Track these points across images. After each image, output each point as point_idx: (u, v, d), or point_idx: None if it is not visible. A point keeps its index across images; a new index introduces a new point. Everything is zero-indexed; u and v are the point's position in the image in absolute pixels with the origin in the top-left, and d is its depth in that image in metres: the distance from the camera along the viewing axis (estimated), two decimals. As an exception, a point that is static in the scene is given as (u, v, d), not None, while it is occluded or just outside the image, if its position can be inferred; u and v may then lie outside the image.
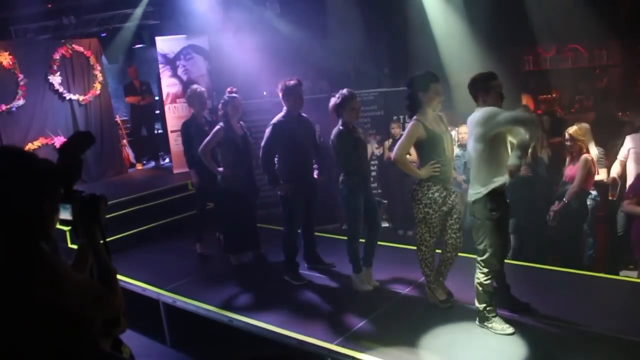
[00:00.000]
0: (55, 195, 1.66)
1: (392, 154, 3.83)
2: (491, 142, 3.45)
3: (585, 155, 4.81)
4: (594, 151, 5.11)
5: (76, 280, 1.60)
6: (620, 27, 7.35)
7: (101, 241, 1.79)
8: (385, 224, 7.25)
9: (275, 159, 4.67)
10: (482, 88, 3.53)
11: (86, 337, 1.65)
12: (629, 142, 5.13)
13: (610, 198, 5.17)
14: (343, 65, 8.51)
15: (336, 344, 3.57)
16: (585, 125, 5.35)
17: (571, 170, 4.92)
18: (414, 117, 3.79)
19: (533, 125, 3.46)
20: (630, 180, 4.96)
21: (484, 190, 3.50)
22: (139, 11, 8.68)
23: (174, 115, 8.37)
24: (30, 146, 7.25)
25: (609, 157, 5.43)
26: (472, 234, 3.69)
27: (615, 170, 5.12)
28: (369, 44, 8.46)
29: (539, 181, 5.31)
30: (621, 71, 8.68)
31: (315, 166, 4.84)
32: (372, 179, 6.76)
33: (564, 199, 4.82)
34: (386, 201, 4.78)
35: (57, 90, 7.69)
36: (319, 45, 8.43)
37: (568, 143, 4.93)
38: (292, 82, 4.59)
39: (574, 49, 9.03)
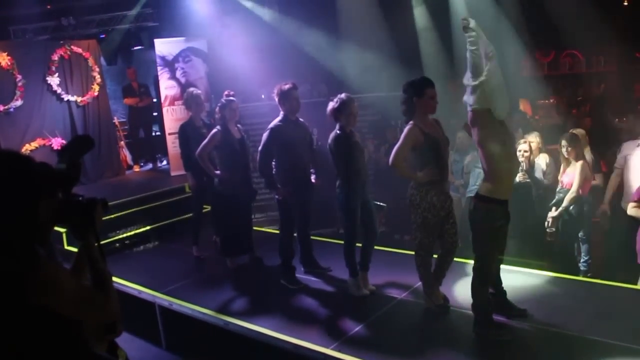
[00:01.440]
0: (52, 199, 1.65)
1: (390, 159, 3.82)
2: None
3: (581, 161, 4.82)
4: (589, 157, 5.12)
5: (71, 284, 1.60)
6: (618, 33, 7.38)
7: (95, 244, 1.79)
8: (381, 229, 7.25)
9: (273, 162, 4.68)
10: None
11: (80, 340, 1.65)
12: (625, 149, 5.14)
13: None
14: (342, 69, 8.52)
15: (332, 349, 3.56)
16: (581, 131, 5.37)
17: (568, 176, 4.93)
18: (411, 122, 3.78)
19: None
20: (627, 187, 4.96)
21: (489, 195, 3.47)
22: (134, 12, 8.68)
23: (172, 118, 8.37)
24: (27, 147, 7.25)
25: (607, 164, 5.44)
26: (468, 239, 3.69)
27: (612, 186, 5.11)
28: (368, 48, 8.48)
29: (536, 187, 5.32)
30: (618, 77, 8.71)
31: (312, 170, 4.84)
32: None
33: (563, 205, 4.82)
34: (385, 205, 4.78)
35: (55, 91, 7.68)
36: (318, 48, 8.44)
37: (564, 149, 4.94)
38: (287, 86, 4.57)
39: (572, 55, 9.07)
